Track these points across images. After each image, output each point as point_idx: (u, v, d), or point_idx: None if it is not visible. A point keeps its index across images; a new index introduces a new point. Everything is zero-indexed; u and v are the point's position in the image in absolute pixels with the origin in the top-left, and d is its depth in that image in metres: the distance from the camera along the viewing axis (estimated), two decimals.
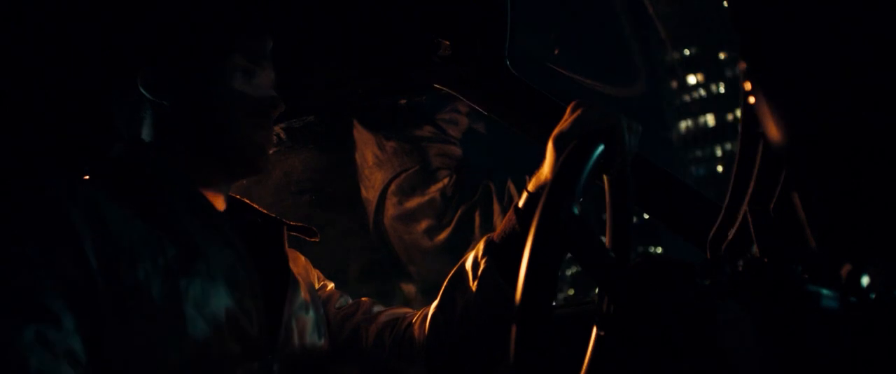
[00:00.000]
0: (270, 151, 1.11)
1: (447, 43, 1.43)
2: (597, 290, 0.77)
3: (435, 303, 1.16)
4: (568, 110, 1.03)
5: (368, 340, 1.19)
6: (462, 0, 1.36)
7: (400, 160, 2.09)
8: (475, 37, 1.43)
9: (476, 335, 1.11)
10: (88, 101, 1.29)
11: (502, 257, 1.08)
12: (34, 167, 1.37)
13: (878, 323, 0.51)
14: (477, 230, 1.98)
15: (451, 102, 2.12)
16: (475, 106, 1.53)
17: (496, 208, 2.00)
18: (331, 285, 1.30)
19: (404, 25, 1.41)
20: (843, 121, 0.45)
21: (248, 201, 1.20)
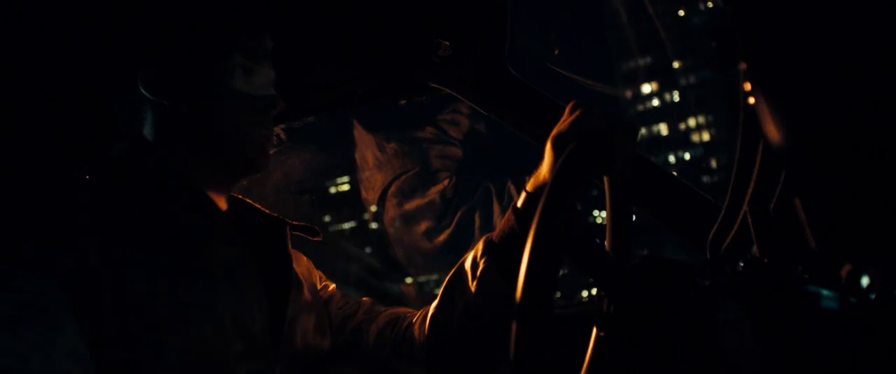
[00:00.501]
0: (270, 150, 1.11)
1: (447, 43, 1.43)
2: (595, 290, 0.77)
3: (435, 303, 1.16)
4: (566, 111, 1.02)
5: (369, 339, 1.19)
6: (462, 0, 1.36)
7: (400, 162, 2.09)
8: (475, 37, 1.43)
9: (476, 335, 1.11)
10: (88, 101, 1.29)
11: (501, 256, 1.08)
12: (34, 167, 1.37)
13: (878, 323, 0.51)
14: (477, 232, 1.98)
15: (452, 103, 2.12)
16: (475, 106, 1.53)
17: (496, 209, 2.00)
18: (332, 286, 1.30)
19: (404, 25, 1.41)
20: (843, 121, 0.45)
21: (250, 201, 1.20)
